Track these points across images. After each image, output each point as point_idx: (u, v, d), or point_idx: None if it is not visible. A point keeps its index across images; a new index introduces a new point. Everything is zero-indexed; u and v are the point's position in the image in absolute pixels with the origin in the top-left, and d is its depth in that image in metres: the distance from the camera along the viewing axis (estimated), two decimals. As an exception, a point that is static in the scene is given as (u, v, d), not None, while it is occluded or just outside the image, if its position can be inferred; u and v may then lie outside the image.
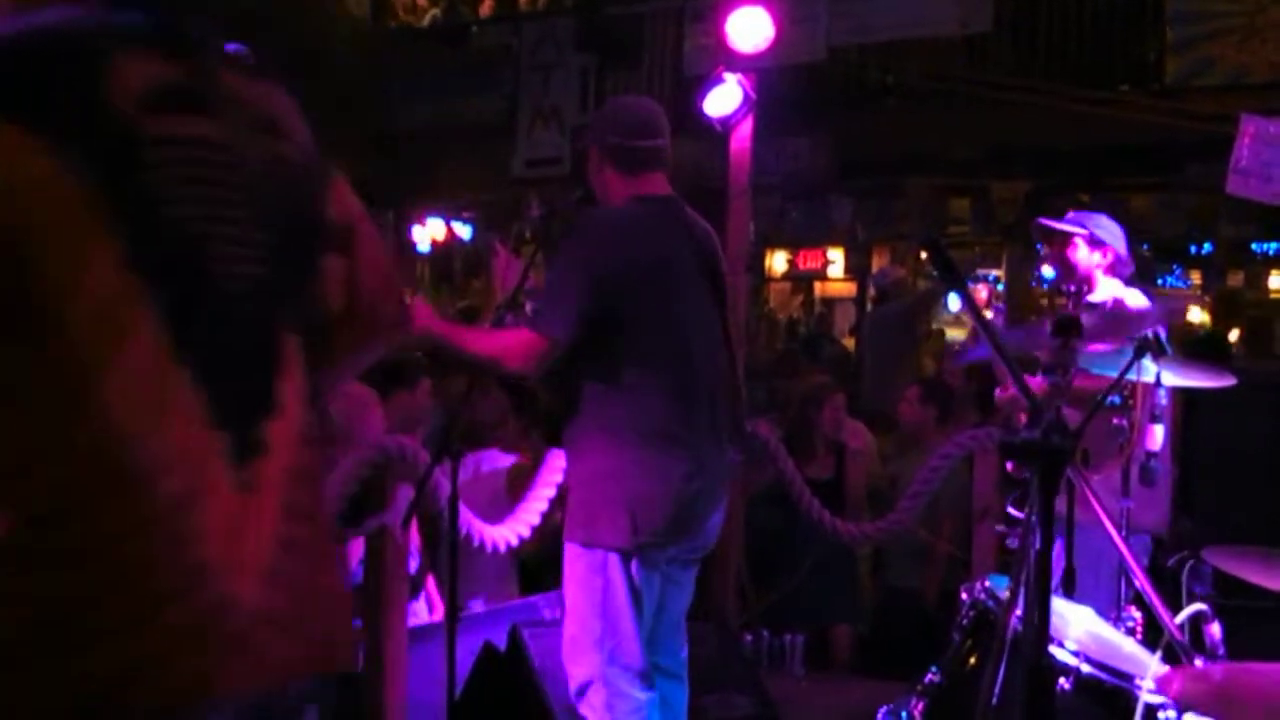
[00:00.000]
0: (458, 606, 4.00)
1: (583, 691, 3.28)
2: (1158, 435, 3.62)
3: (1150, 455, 3.62)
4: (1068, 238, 4.35)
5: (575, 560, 3.30)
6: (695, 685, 3.52)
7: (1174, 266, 14.40)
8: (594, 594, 3.25)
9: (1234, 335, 9.72)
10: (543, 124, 11.74)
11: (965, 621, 3.13)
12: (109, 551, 1.45)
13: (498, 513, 4.53)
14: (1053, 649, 2.61)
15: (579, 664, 3.29)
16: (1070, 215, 4.48)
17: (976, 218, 12.33)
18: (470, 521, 4.17)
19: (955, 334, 13.13)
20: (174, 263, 1.52)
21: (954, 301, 12.91)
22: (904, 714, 3.16)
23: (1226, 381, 3.56)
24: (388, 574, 3.83)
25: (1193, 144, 8.60)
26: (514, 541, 4.48)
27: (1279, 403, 4.83)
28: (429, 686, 3.83)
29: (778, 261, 16.58)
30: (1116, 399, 3.53)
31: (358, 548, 4.06)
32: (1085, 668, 2.68)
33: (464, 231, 14.70)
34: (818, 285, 17.15)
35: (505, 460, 5.12)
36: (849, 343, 13.16)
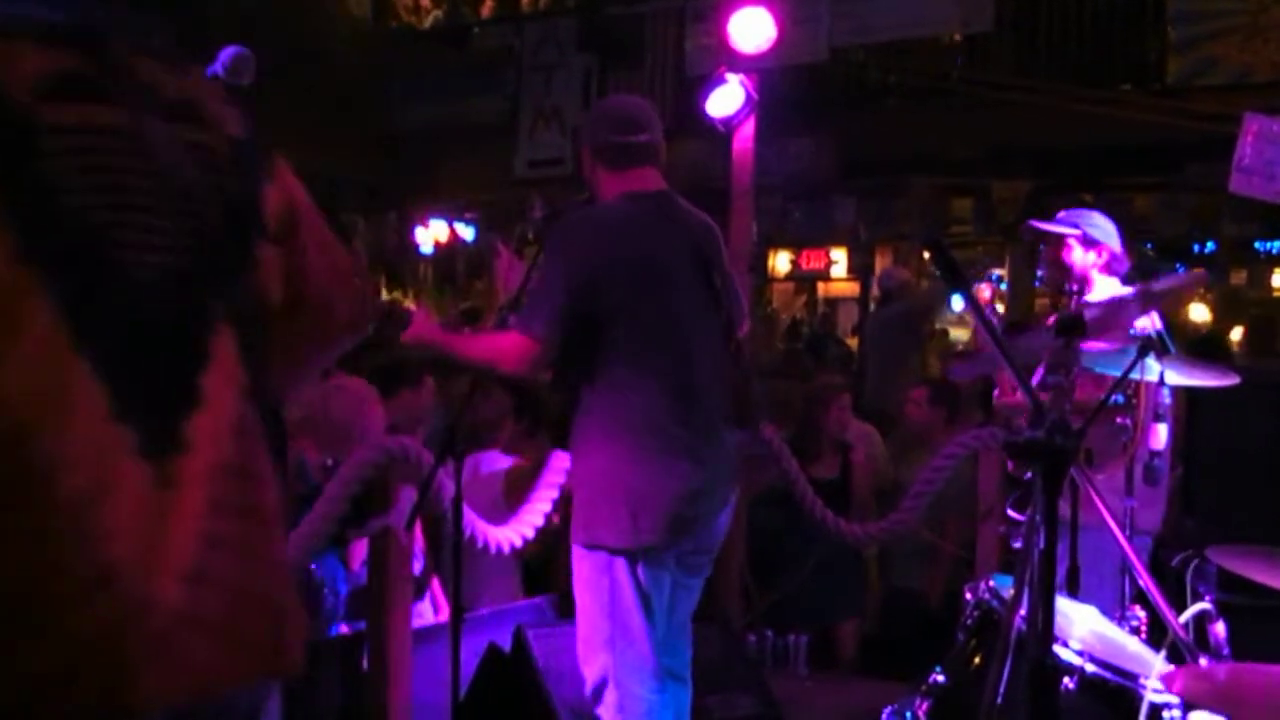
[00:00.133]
0: (464, 608, 4.00)
1: (597, 692, 3.27)
2: (1161, 434, 3.61)
3: (1154, 454, 3.61)
4: (1061, 239, 4.31)
5: (581, 562, 3.30)
6: (699, 685, 3.52)
7: (1177, 266, 14.38)
8: (601, 595, 3.25)
9: (1237, 334, 9.72)
10: (544, 124, 11.76)
11: (969, 621, 3.13)
12: (8, 552, 1.39)
13: (497, 515, 4.53)
14: (1057, 648, 2.61)
15: (591, 665, 3.29)
16: (1061, 215, 4.41)
17: (978, 217, 12.34)
18: (474, 523, 4.17)
19: (959, 334, 13.13)
20: (73, 253, 1.46)
21: (957, 302, 12.90)
22: (908, 714, 3.16)
23: (1230, 380, 3.55)
24: (391, 575, 3.82)
25: (1194, 143, 8.60)
26: (517, 543, 4.48)
27: (1283, 401, 4.83)
28: (433, 687, 3.83)
29: (781, 262, 16.60)
30: (1120, 398, 3.52)
31: (361, 549, 4.07)
32: (1090, 667, 2.68)
33: (467, 233, 14.71)
34: (820, 285, 17.16)
35: (505, 462, 5.12)
36: (852, 343, 13.17)
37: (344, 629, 4.09)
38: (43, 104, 1.47)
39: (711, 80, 5.60)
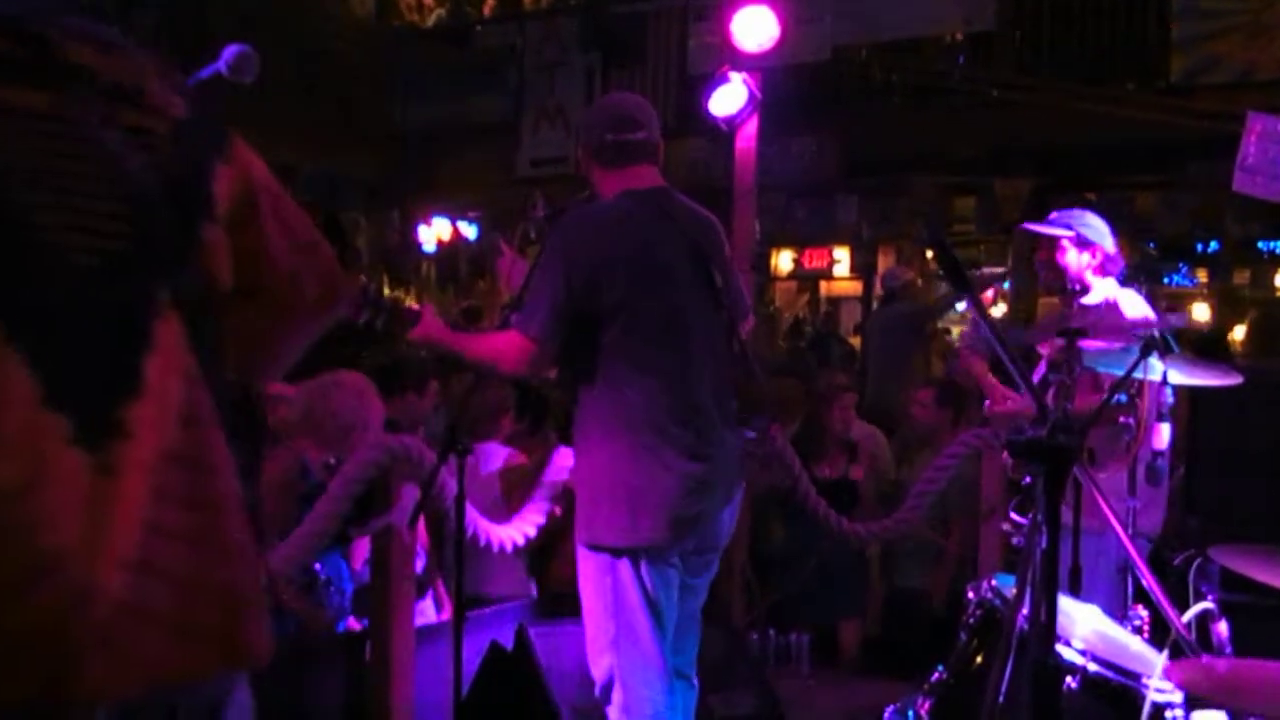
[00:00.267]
0: (469, 602, 4.01)
1: (606, 692, 3.27)
2: (1164, 434, 3.61)
3: (1156, 454, 3.61)
4: (1055, 241, 4.29)
5: (584, 561, 3.29)
6: (701, 684, 3.52)
7: (1180, 265, 14.37)
8: (605, 595, 3.24)
9: (1240, 333, 9.70)
10: (548, 123, 11.77)
11: (972, 620, 3.13)
12: None
13: (496, 513, 4.54)
14: (1059, 648, 2.61)
15: (598, 665, 3.28)
16: (1054, 215, 4.40)
17: (981, 216, 12.32)
18: (476, 520, 4.18)
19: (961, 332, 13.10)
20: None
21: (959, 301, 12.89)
22: (910, 712, 3.16)
23: (1233, 380, 3.55)
24: (394, 573, 3.83)
25: (1197, 142, 8.59)
26: (520, 541, 4.49)
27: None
28: (436, 685, 3.83)
29: (783, 260, 16.57)
30: (1123, 397, 3.52)
31: (363, 548, 4.07)
32: (1092, 666, 2.69)
33: (469, 231, 14.71)
34: (823, 284, 17.13)
35: (503, 454, 5.13)
36: (855, 342, 13.16)
37: (353, 624, 4.09)
38: None
39: (714, 79, 5.60)
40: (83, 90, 1.55)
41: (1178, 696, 2.57)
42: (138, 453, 1.48)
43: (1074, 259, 4.27)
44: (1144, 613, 3.19)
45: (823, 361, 10.34)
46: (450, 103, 12.44)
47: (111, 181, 1.54)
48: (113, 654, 1.42)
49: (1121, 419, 3.58)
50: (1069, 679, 2.66)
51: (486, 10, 14.32)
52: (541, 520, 4.60)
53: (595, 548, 3.26)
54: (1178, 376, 3.49)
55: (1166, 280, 14.20)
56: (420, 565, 4.34)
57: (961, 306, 12.53)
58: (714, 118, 5.61)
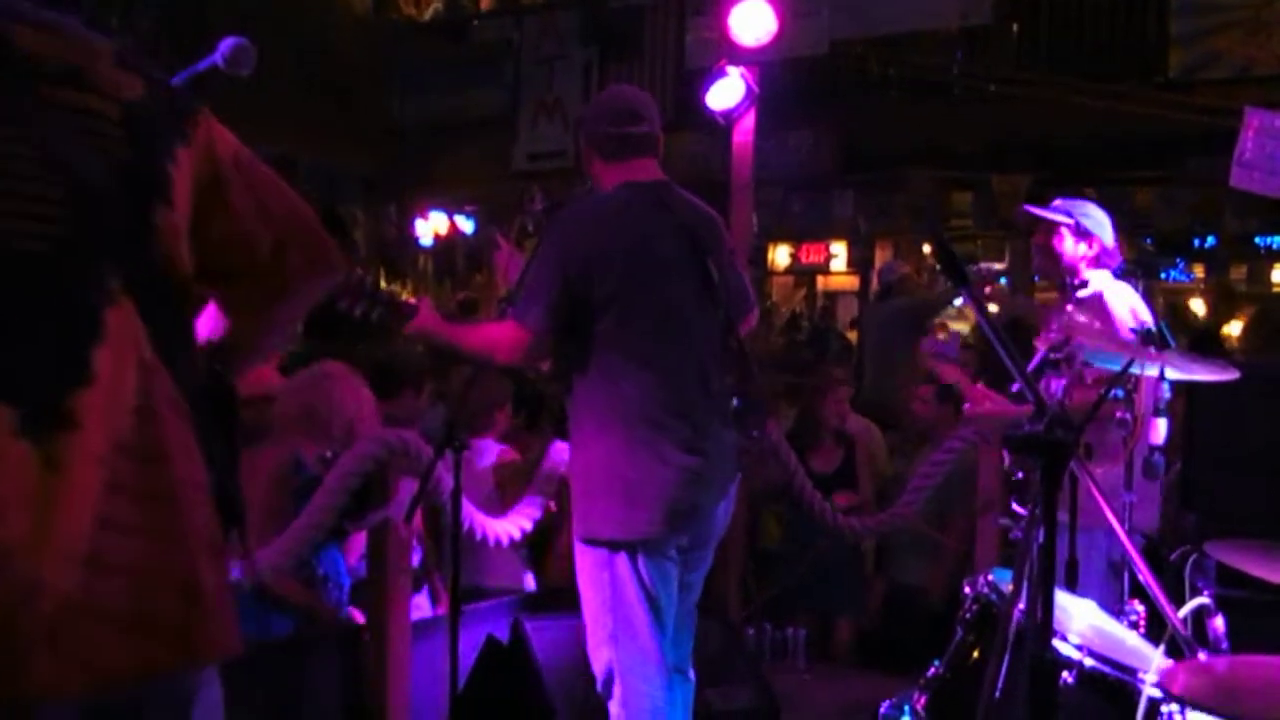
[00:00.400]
0: (466, 595, 4.01)
1: (606, 685, 3.27)
2: (1161, 429, 3.61)
3: (1154, 449, 3.61)
4: (1054, 226, 4.29)
5: (582, 556, 3.29)
6: (698, 678, 3.52)
7: (1178, 260, 14.38)
8: (602, 589, 3.24)
9: (1237, 328, 9.71)
10: (545, 117, 11.76)
11: (968, 615, 3.13)
12: None
13: (491, 508, 4.54)
14: (1056, 643, 2.61)
15: (597, 659, 3.28)
16: (1057, 203, 4.39)
17: (978, 211, 12.32)
18: (472, 515, 4.18)
19: (959, 327, 13.11)
20: None
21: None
22: (906, 707, 3.16)
23: (1230, 375, 3.55)
24: (391, 567, 3.83)
25: (1195, 137, 8.58)
26: (516, 535, 4.49)
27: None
28: (432, 679, 3.83)
29: (780, 255, 16.59)
30: (1120, 392, 3.52)
31: (359, 542, 4.07)
32: (1088, 661, 2.69)
33: (466, 225, 14.71)
34: (820, 279, 17.15)
35: (497, 449, 5.13)
36: (852, 336, 13.16)
37: (357, 616, 4.08)
38: None
39: (712, 73, 5.60)
40: (27, 75, 1.52)
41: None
42: (88, 444, 1.44)
43: (1070, 247, 4.26)
44: (1140, 608, 3.19)
45: (821, 356, 10.33)
46: (448, 97, 12.43)
47: (55, 167, 1.50)
48: (60, 651, 1.39)
49: (1118, 414, 3.58)
50: (1065, 674, 2.66)
51: (484, 4, 14.30)
52: (537, 514, 4.60)
53: (592, 542, 3.26)
54: (1175, 372, 3.49)
55: (1164, 275, 14.22)
56: (416, 559, 4.34)
57: (959, 302, 12.53)
58: (711, 112, 5.60)
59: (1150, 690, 2.58)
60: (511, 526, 4.46)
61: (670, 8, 10.94)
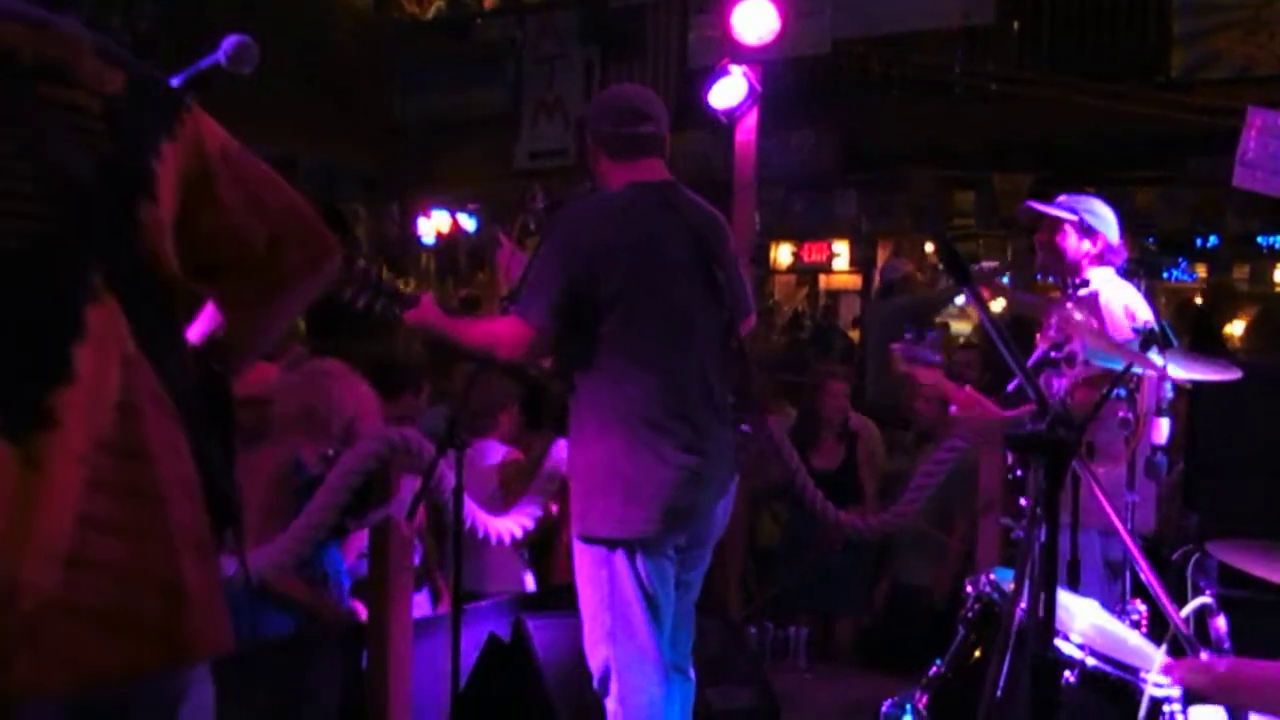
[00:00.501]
0: (468, 595, 4.00)
1: (604, 683, 3.27)
2: (1163, 429, 3.60)
3: (1156, 449, 3.60)
4: (1058, 223, 4.25)
5: (580, 554, 3.29)
6: (699, 678, 3.52)
7: (1180, 260, 14.36)
8: (601, 587, 3.24)
9: (1239, 328, 9.69)
10: (546, 116, 11.77)
11: (970, 614, 3.12)
12: None
13: (494, 507, 4.53)
14: (1058, 642, 2.60)
15: (595, 657, 3.28)
16: (1061, 199, 4.36)
17: (980, 210, 12.32)
18: (474, 513, 4.17)
19: (960, 327, 13.10)
20: None
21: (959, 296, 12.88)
22: (908, 706, 3.16)
23: (1232, 375, 3.54)
24: (393, 566, 3.82)
25: (1197, 137, 8.58)
26: (518, 534, 4.48)
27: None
28: (434, 678, 3.83)
29: (782, 254, 16.57)
30: (1122, 391, 3.51)
31: (359, 540, 4.06)
32: (1090, 661, 2.68)
33: (468, 223, 14.71)
34: (822, 278, 17.13)
35: (502, 452, 5.13)
36: (854, 335, 13.16)
37: (361, 612, 4.08)
38: None
39: (714, 72, 5.60)
40: (5, 70, 1.50)
41: (1176, 691, 2.57)
42: (68, 442, 1.43)
43: (1073, 244, 4.23)
44: (1142, 607, 3.19)
45: (824, 355, 10.32)
46: (449, 95, 12.43)
47: (36, 162, 1.48)
48: (41, 650, 1.38)
49: (1121, 413, 3.57)
50: (1067, 673, 2.66)
51: (486, 3, 14.31)
52: (539, 513, 4.60)
53: (590, 540, 3.26)
54: (1177, 371, 3.48)
55: (1166, 275, 14.19)
56: (418, 557, 4.33)
57: (961, 300, 12.53)
58: (714, 111, 5.60)
59: (1152, 690, 2.58)
60: (513, 525, 4.45)
61: (672, 6, 10.94)
